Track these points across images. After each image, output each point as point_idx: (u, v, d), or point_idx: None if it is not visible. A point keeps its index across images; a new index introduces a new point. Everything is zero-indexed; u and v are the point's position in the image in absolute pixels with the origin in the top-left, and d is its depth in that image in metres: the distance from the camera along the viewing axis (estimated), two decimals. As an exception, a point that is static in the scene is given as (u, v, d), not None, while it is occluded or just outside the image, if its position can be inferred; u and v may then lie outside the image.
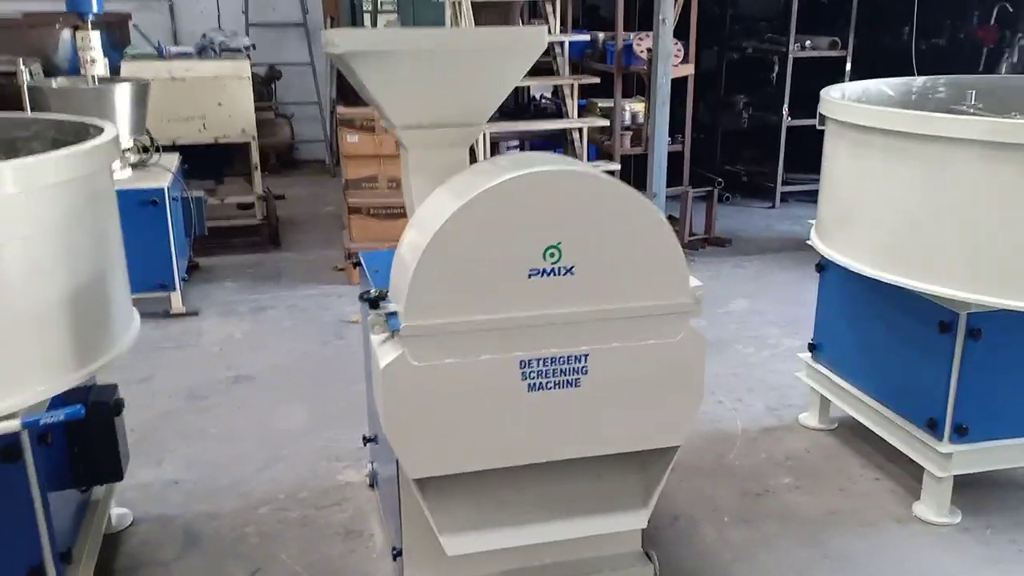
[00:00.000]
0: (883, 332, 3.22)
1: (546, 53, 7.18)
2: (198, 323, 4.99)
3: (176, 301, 5.07)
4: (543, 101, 7.99)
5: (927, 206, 2.71)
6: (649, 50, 6.08)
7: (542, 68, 7.19)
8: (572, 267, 2.13)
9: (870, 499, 3.18)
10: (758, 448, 3.57)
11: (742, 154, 8.59)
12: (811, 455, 3.52)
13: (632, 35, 6.74)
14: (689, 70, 6.55)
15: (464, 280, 2.06)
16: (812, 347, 3.68)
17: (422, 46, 2.24)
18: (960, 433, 2.92)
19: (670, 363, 2.27)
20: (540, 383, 2.19)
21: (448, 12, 6.60)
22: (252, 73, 6.47)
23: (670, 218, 6.61)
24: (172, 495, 3.21)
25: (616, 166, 6.71)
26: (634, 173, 7.08)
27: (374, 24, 9.39)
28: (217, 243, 6.42)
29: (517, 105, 8.53)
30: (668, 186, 6.85)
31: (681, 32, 6.48)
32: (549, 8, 7.02)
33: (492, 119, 8.59)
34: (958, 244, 2.65)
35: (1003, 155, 2.50)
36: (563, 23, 7.29)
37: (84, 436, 2.46)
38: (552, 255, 2.11)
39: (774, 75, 8.06)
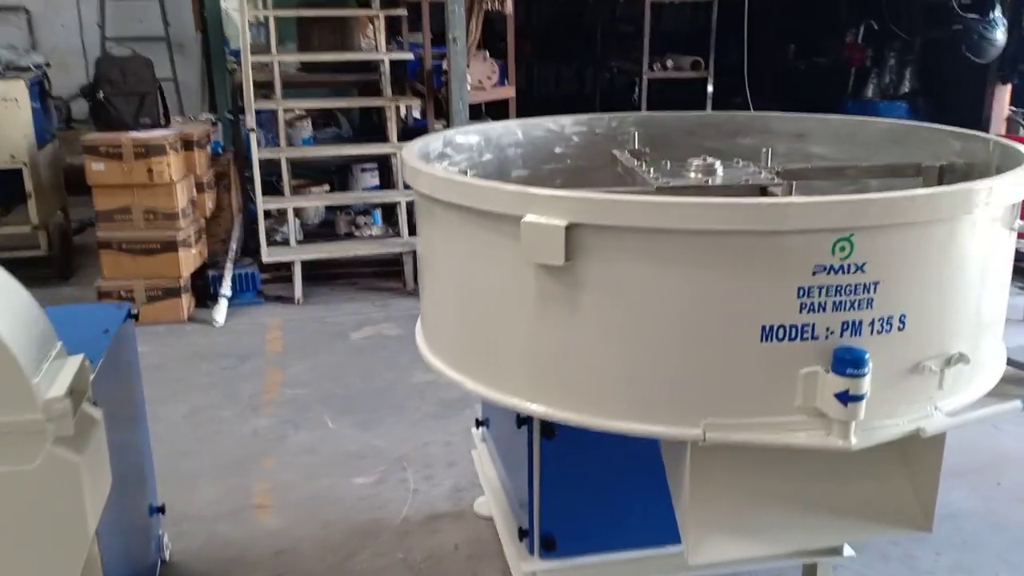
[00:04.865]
0: (501, 420, 2.73)
1: (376, 70, 6.72)
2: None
3: None
4: (412, 121, 7.49)
5: (452, 289, 2.21)
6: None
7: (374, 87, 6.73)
8: None
9: (477, 619, 2.69)
10: (402, 545, 3.07)
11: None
12: (456, 554, 3.02)
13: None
14: (508, 93, 6.07)
15: None
16: (479, 423, 3.19)
17: None
18: (547, 547, 2.43)
19: (26, 496, 1.78)
20: None
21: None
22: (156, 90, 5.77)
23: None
24: None
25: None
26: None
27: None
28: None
29: (372, 124, 8.06)
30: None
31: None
32: (377, 23, 6.53)
33: (337, 139, 7.79)
34: (489, 341, 2.13)
35: (491, 225, 1.98)
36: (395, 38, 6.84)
37: None
38: None
39: (635, 97, 7.59)
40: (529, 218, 1.88)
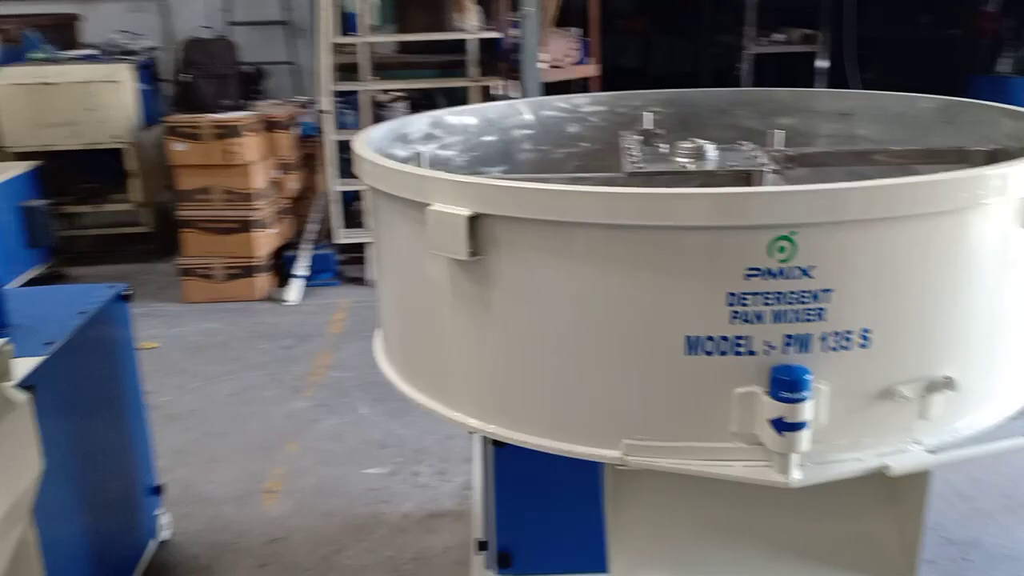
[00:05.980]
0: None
1: (464, 50, 6.62)
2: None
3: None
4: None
5: (391, 284, 2.06)
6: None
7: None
8: None
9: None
10: (394, 543, 2.97)
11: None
12: (445, 557, 2.89)
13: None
14: (590, 71, 5.81)
15: None
16: (482, 421, 3.03)
17: None
18: (504, 563, 2.25)
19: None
20: None
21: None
22: (237, 72, 6.14)
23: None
24: None
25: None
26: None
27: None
28: (101, 252, 6.37)
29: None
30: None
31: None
32: (467, 2, 6.43)
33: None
34: (412, 340, 1.98)
35: (413, 214, 1.77)
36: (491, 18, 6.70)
37: None
38: None
39: (736, 73, 7.08)
40: (434, 207, 1.71)
